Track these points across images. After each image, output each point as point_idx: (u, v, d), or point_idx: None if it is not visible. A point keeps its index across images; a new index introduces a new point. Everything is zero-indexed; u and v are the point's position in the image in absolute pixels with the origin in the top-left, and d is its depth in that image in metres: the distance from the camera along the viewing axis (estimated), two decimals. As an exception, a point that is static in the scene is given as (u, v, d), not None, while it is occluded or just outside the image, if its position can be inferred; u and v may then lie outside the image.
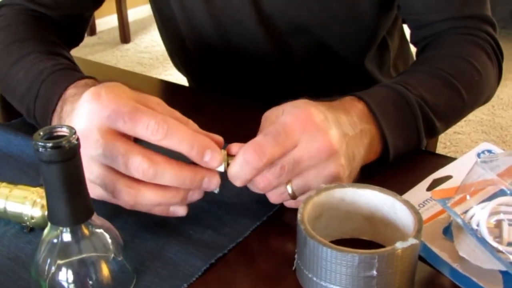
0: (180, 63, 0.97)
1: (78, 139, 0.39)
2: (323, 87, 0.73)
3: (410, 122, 0.60)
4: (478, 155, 0.59)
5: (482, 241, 0.44)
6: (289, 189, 0.50)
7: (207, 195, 0.55)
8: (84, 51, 3.50)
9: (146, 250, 0.49)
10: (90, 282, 0.42)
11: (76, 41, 0.84)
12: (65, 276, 0.41)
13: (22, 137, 0.65)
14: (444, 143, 2.38)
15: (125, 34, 3.72)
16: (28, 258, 0.48)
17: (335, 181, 0.50)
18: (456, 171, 0.58)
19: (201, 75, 0.96)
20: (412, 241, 0.41)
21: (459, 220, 0.46)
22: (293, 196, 0.51)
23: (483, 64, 0.70)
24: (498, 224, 0.46)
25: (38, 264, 0.41)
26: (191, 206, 0.54)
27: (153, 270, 0.47)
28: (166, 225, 0.52)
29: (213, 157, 0.47)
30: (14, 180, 0.53)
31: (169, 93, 0.86)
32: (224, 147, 0.50)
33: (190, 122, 0.50)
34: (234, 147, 0.49)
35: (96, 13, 0.89)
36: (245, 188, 0.55)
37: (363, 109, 0.57)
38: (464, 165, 0.54)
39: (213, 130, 0.51)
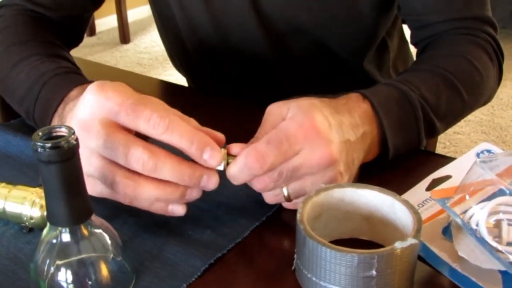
0: (180, 63, 0.97)
1: (77, 139, 0.39)
2: (323, 87, 0.73)
3: (411, 123, 0.60)
4: (478, 155, 0.59)
5: (482, 241, 0.44)
6: (285, 191, 0.51)
7: (206, 195, 0.55)
8: (83, 52, 3.50)
9: (145, 250, 0.49)
10: (89, 282, 0.42)
11: (76, 41, 0.84)
12: (64, 276, 0.41)
13: (21, 137, 0.65)
14: (443, 143, 2.38)
15: (124, 34, 3.72)
16: (27, 258, 0.48)
17: None
18: (456, 171, 0.58)
19: (201, 75, 0.96)
20: (411, 241, 0.41)
21: (458, 220, 0.46)
22: (288, 199, 0.51)
23: (484, 65, 0.70)
24: (498, 224, 0.46)
25: (37, 265, 0.41)
26: (190, 206, 0.54)
27: (152, 270, 0.47)
28: (166, 225, 0.52)
29: (212, 155, 0.47)
30: (13, 180, 0.53)
31: (168, 93, 0.86)
32: (224, 146, 0.50)
33: (192, 120, 0.50)
34: (235, 147, 0.49)
35: (96, 13, 0.89)
36: (244, 189, 0.55)
37: (366, 109, 0.57)
38: (464, 165, 0.54)
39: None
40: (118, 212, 0.54)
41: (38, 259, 0.41)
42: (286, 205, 0.53)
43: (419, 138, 0.61)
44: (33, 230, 0.51)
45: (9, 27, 0.72)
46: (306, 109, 0.50)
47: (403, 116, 0.59)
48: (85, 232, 0.41)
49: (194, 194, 0.49)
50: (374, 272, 0.41)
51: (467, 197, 0.47)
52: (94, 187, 0.48)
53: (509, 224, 0.45)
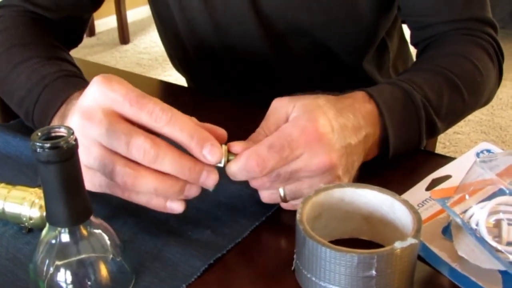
0: (179, 63, 0.97)
1: (76, 140, 0.39)
2: (322, 87, 0.72)
3: (413, 123, 0.60)
4: (477, 154, 0.59)
5: (481, 240, 0.44)
6: (281, 192, 0.51)
7: (206, 195, 0.55)
8: (83, 52, 3.50)
9: (145, 250, 0.49)
10: (89, 282, 0.41)
11: (75, 42, 0.84)
12: (64, 276, 0.41)
13: (20, 138, 0.64)
14: (443, 143, 2.38)
15: (124, 35, 3.73)
16: (27, 259, 0.48)
17: None
18: (455, 171, 0.58)
19: (200, 75, 0.96)
20: (411, 241, 0.41)
21: (458, 220, 0.46)
22: (284, 200, 0.51)
23: (485, 65, 0.70)
24: (497, 223, 0.45)
25: (36, 265, 0.41)
26: (190, 207, 0.54)
27: (152, 271, 0.47)
28: (165, 225, 0.52)
29: (211, 151, 0.46)
30: (12, 180, 0.53)
31: (168, 93, 0.86)
32: (225, 143, 0.50)
33: (193, 118, 0.50)
34: (236, 145, 0.49)
35: (95, 14, 0.89)
36: (244, 189, 0.56)
37: (371, 110, 0.57)
38: (463, 164, 0.54)
39: (212, 130, 0.51)
40: (118, 213, 0.54)
41: (37, 259, 0.41)
42: (283, 205, 0.53)
43: (420, 138, 0.61)
44: (33, 230, 0.51)
45: (9, 28, 0.72)
46: (310, 111, 0.50)
47: (406, 115, 0.59)
48: (84, 232, 0.41)
49: (193, 191, 0.49)
50: (374, 272, 0.41)
51: (467, 196, 0.47)
52: (93, 179, 0.48)
53: (509, 224, 0.45)
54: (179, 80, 1.07)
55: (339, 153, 0.50)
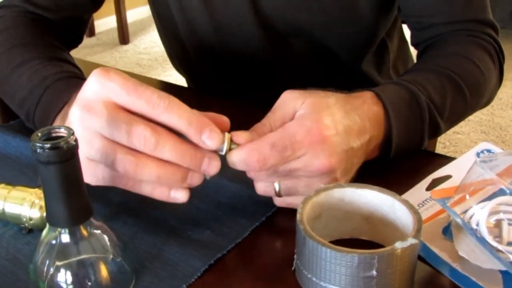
0: (179, 64, 0.97)
1: (76, 140, 0.39)
2: (322, 88, 0.72)
3: (417, 124, 0.60)
4: (478, 154, 0.59)
5: (482, 240, 0.44)
6: (276, 186, 0.51)
7: (206, 195, 0.55)
8: (83, 52, 3.50)
9: (145, 250, 0.49)
10: (89, 283, 0.41)
11: (75, 42, 0.84)
12: (64, 277, 0.41)
13: (20, 138, 0.64)
14: (443, 143, 2.39)
15: (124, 35, 3.73)
16: (27, 259, 0.48)
17: None
18: (456, 171, 0.58)
19: (200, 75, 0.96)
20: (411, 241, 0.41)
21: (458, 220, 0.46)
22: (278, 194, 0.51)
23: (486, 66, 0.70)
24: (498, 223, 0.45)
25: (36, 266, 0.41)
26: (190, 207, 0.54)
27: (152, 271, 0.47)
28: (165, 225, 0.52)
29: (210, 136, 0.46)
30: (12, 181, 0.53)
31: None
32: (229, 132, 0.49)
33: (194, 111, 0.50)
34: (239, 136, 0.49)
35: (95, 14, 0.89)
36: (244, 189, 0.56)
37: (378, 113, 0.56)
38: (464, 164, 0.54)
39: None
40: (118, 213, 0.54)
41: (37, 260, 0.41)
42: (275, 200, 0.53)
43: (422, 139, 0.61)
44: (33, 231, 0.51)
45: (9, 29, 0.72)
46: (318, 111, 0.50)
47: (411, 117, 0.59)
48: (84, 232, 0.41)
49: (195, 178, 0.48)
50: (374, 272, 0.41)
51: (467, 196, 0.47)
52: (96, 172, 0.48)
53: (509, 224, 0.45)
54: (179, 80, 1.07)
55: (340, 157, 0.50)
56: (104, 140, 0.46)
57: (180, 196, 0.49)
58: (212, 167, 0.48)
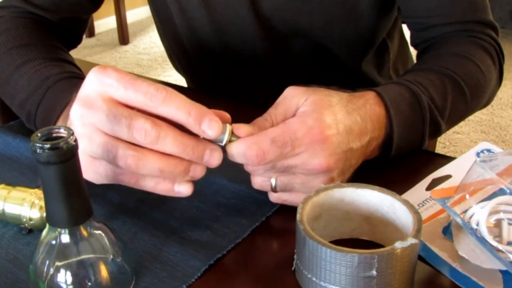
0: (179, 64, 0.97)
1: (76, 140, 0.39)
2: (325, 86, 0.72)
3: (418, 125, 0.60)
4: (478, 154, 0.59)
5: (482, 240, 0.44)
6: (272, 182, 0.51)
7: (206, 195, 0.55)
8: (83, 53, 3.50)
9: (145, 251, 0.49)
10: (89, 283, 0.41)
11: (74, 43, 0.84)
12: (64, 277, 0.41)
13: (20, 139, 0.64)
14: (443, 143, 2.39)
15: (123, 35, 3.73)
16: (27, 259, 0.48)
17: None
18: (456, 171, 0.58)
19: (200, 76, 0.96)
20: (411, 240, 0.41)
21: (458, 220, 0.46)
22: (274, 190, 0.51)
23: (487, 67, 0.70)
24: (498, 223, 0.45)
25: (36, 266, 0.41)
26: (190, 207, 0.54)
27: (152, 271, 0.47)
28: (165, 226, 0.52)
29: (210, 125, 0.46)
30: (12, 181, 0.53)
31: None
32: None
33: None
34: (240, 129, 0.49)
35: (95, 14, 0.89)
36: (244, 189, 0.56)
37: (380, 113, 0.56)
38: (464, 164, 0.54)
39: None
40: (117, 213, 0.54)
41: (37, 260, 0.41)
42: (270, 197, 0.53)
43: (423, 139, 0.61)
44: (33, 231, 0.51)
45: (10, 29, 0.72)
46: (320, 109, 0.50)
47: (412, 117, 0.59)
48: (84, 233, 0.41)
49: (198, 171, 0.48)
50: (374, 272, 0.41)
51: (467, 196, 0.47)
52: (98, 169, 0.48)
53: (509, 224, 0.45)
54: (179, 80, 1.07)
55: (338, 157, 0.50)
56: (105, 136, 0.46)
57: (184, 189, 0.49)
58: (214, 159, 0.48)
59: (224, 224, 0.52)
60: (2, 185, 0.51)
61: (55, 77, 0.63)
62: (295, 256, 0.46)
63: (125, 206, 0.55)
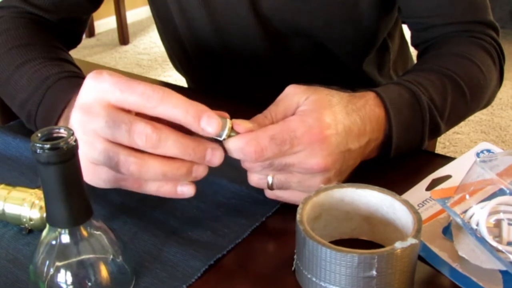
0: (180, 64, 0.97)
1: (76, 140, 0.39)
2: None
3: (418, 125, 0.60)
4: (477, 154, 0.59)
5: (482, 240, 0.44)
6: (269, 179, 0.51)
7: (206, 196, 0.56)
8: (83, 53, 3.50)
9: (145, 251, 0.49)
10: (89, 283, 0.41)
11: (74, 43, 0.84)
12: (64, 277, 0.41)
13: (20, 139, 0.64)
14: (443, 143, 2.39)
15: (123, 35, 3.72)
16: (27, 260, 0.48)
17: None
18: (456, 171, 0.58)
19: (201, 76, 0.96)
20: (411, 241, 0.41)
21: (458, 220, 0.46)
22: (270, 187, 0.52)
23: (488, 68, 0.70)
24: (498, 223, 0.45)
25: (36, 266, 0.41)
26: (190, 207, 0.54)
27: (152, 271, 0.47)
28: (165, 226, 0.52)
29: (209, 122, 0.46)
30: (12, 181, 0.53)
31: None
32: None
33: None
34: (240, 126, 0.49)
35: (95, 14, 0.90)
36: (244, 189, 0.56)
37: (379, 115, 0.56)
38: (464, 164, 0.54)
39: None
40: (118, 213, 0.54)
41: (37, 260, 0.41)
42: (267, 193, 0.53)
43: (422, 140, 0.61)
44: (33, 231, 0.51)
45: (9, 29, 0.72)
46: (320, 108, 0.50)
47: (412, 117, 0.59)
48: (84, 233, 0.41)
49: (200, 171, 0.48)
50: (374, 272, 0.41)
51: (467, 196, 0.47)
52: (101, 176, 0.48)
53: (509, 224, 0.45)
54: (179, 80, 1.07)
55: (336, 158, 0.50)
56: (106, 142, 0.46)
57: (187, 190, 0.49)
58: (216, 158, 0.48)
59: (224, 224, 0.52)
60: (2, 185, 0.51)
61: (55, 77, 0.63)
62: (295, 256, 0.46)
63: (125, 206, 0.55)
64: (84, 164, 0.47)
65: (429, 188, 0.56)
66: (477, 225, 0.45)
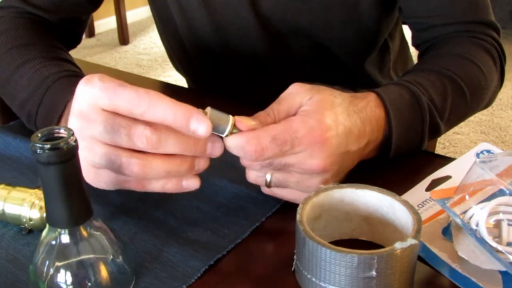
0: (180, 64, 0.97)
1: (76, 141, 0.39)
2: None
3: (418, 126, 0.60)
4: (477, 155, 0.59)
5: (482, 241, 0.44)
6: (268, 177, 0.51)
7: (206, 196, 0.56)
8: (83, 53, 3.50)
9: (145, 251, 0.49)
10: (89, 284, 0.41)
11: (74, 43, 0.84)
12: (64, 278, 0.41)
13: (20, 139, 0.64)
14: (443, 143, 2.39)
15: (123, 35, 3.72)
16: (27, 260, 0.48)
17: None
18: (455, 171, 0.58)
19: (201, 76, 0.96)
20: (411, 241, 0.41)
21: (458, 220, 0.46)
22: (268, 185, 0.52)
23: (489, 69, 0.70)
24: (497, 224, 0.45)
25: (36, 266, 0.41)
26: (190, 207, 0.54)
27: (152, 272, 0.47)
28: (165, 226, 0.52)
29: (199, 123, 0.45)
30: (12, 182, 0.53)
31: (168, 94, 0.85)
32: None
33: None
34: (242, 123, 0.49)
35: (95, 14, 0.90)
36: (244, 190, 0.56)
37: (379, 116, 0.56)
38: (463, 165, 0.54)
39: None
40: (118, 213, 0.54)
41: (37, 260, 0.41)
42: (263, 189, 0.54)
43: (422, 140, 0.61)
44: (32, 231, 0.51)
45: (9, 30, 0.72)
46: (322, 110, 0.50)
47: (412, 118, 0.59)
48: (84, 233, 0.41)
49: (202, 163, 0.49)
50: (374, 273, 0.41)
51: (467, 197, 0.47)
52: (104, 179, 0.48)
53: (509, 224, 0.45)
54: (179, 80, 1.07)
55: (335, 159, 0.50)
56: (106, 147, 0.46)
57: (192, 183, 0.49)
58: (217, 149, 0.48)
59: (224, 224, 0.52)
60: (2, 185, 0.51)
61: (54, 76, 0.63)
62: (295, 257, 0.46)
63: (125, 206, 0.55)
64: (85, 168, 0.48)
65: (429, 188, 0.56)
66: (477, 225, 0.45)
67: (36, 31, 0.73)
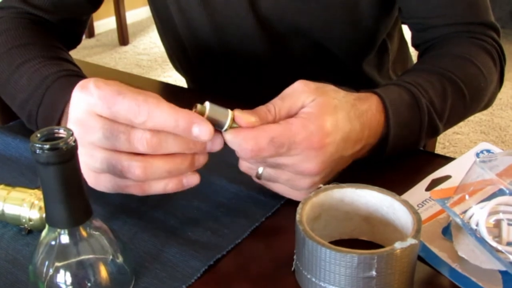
0: (179, 64, 0.97)
1: (75, 141, 0.39)
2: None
3: (415, 127, 0.60)
4: (477, 155, 0.59)
5: (481, 241, 0.44)
6: (259, 170, 0.52)
7: (206, 196, 0.55)
8: (82, 53, 3.50)
9: (144, 251, 0.49)
10: (89, 284, 0.41)
11: (74, 43, 0.84)
12: (63, 278, 0.41)
13: (20, 139, 0.64)
14: (443, 143, 2.38)
15: (123, 36, 3.72)
16: (26, 260, 0.48)
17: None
18: (455, 171, 0.58)
19: (200, 76, 0.96)
20: (411, 241, 0.41)
21: (458, 220, 0.46)
22: (259, 177, 0.52)
23: (489, 70, 0.70)
24: (497, 223, 0.45)
25: (36, 267, 0.41)
26: (190, 207, 0.54)
27: (152, 272, 0.47)
28: (165, 226, 0.52)
29: (201, 129, 0.46)
30: (12, 182, 0.53)
31: (168, 94, 0.86)
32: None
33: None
34: (241, 119, 0.49)
35: (94, 15, 0.89)
36: (243, 190, 0.56)
37: (379, 121, 0.56)
38: (463, 165, 0.54)
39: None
40: (117, 213, 0.54)
41: (37, 261, 0.41)
42: (254, 179, 0.54)
43: (419, 141, 0.61)
44: (32, 232, 0.51)
45: (9, 30, 0.72)
46: (324, 114, 0.50)
47: (411, 118, 0.59)
48: (84, 233, 0.41)
49: (202, 159, 0.49)
50: (374, 273, 0.41)
51: (466, 197, 0.47)
52: (105, 184, 0.48)
53: (509, 224, 0.45)
54: (179, 81, 1.07)
55: (328, 164, 0.51)
56: (106, 152, 0.47)
57: (193, 180, 0.50)
58: (217, 144, 0.49)
59: (224, 224, 0.52)
60: (2, 186, 0.51)
61: (54, 76, 0.63)
62: (294, 257, 0.46)
63: (125, 206, 0.55)
64: (86, 173, 0.48)
65: (429, 188, 0.56)
66: (477, 225, 0.45)
67: (36, 31, 0.73)
